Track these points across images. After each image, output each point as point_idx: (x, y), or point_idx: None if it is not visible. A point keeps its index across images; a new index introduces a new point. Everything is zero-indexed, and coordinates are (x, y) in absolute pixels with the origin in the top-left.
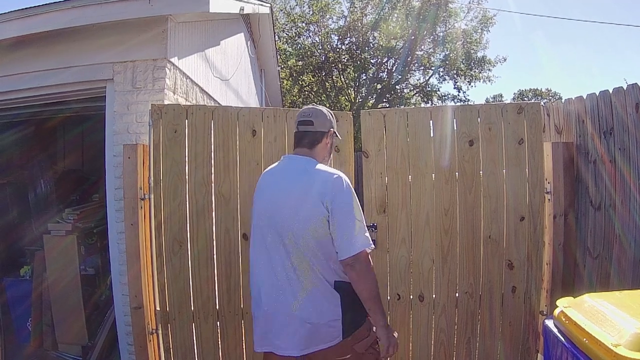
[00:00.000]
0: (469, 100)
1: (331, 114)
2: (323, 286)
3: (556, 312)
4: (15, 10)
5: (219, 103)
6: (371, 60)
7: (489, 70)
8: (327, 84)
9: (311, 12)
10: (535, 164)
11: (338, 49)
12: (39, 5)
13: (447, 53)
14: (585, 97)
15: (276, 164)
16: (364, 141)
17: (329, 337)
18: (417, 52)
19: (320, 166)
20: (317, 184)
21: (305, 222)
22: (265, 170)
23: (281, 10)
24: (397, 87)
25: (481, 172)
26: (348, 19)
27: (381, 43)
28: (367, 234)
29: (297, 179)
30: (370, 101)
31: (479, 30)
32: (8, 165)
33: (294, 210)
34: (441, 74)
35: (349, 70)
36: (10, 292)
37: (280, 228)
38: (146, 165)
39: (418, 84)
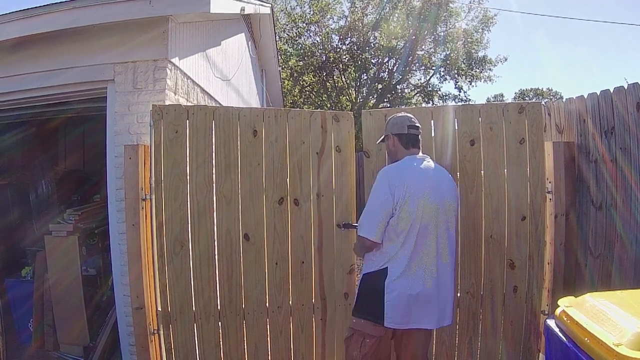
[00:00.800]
0: (470, 100)
1: None
2: (455, 269)
3: (558, 311)
4: (17, 11)
5: (220, 103)
6: (372, 60)
7: (490, 70)
8: (328, 84)
9: (312, 12)
10: (536, 164)
11: (339, 49)
12: (40, 6)
13: (448, 53)
14: (586, 97)
15: (411, 161)
16: (365, 141)
17: (451, 315)
18: (418, 52)
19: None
20: (451, 180)
21: (454, 210)
22: (401, 166)
23: (282, 11)
24: (398, 87)
25: (482, 171)
26: (349, 19)
27: (382, 43)
28: None
29: (447, 176)
30: (371, 101)
31: (480, 30)
32: (9, 166)
33: (448, 201)
34: (442, 73)
35: (349, 70)
36: (12, 292)
37: (449, 216)
38: (147, 166)
39: (419, 84)
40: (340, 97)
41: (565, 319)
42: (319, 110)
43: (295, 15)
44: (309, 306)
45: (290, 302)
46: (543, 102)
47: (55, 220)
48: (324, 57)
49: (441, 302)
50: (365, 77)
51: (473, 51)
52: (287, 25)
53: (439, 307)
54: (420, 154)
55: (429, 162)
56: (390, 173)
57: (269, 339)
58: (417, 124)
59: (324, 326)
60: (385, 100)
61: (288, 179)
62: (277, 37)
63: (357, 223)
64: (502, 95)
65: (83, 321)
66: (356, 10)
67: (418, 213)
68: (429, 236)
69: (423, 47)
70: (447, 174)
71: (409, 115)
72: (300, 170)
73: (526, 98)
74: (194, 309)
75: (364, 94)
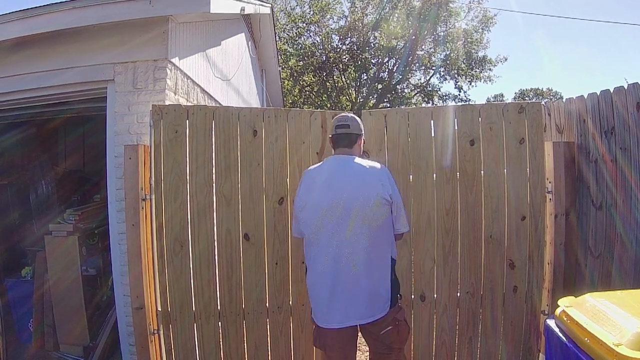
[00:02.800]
0: (469, 100)
1: (360, 120)
2: (382, 260)
3: (558, 311)
4: (17, 11)
5: (220, 103)
6: (372, 60)
7: (490, 69)
8: (328, 84)
9: (312, 12)
10: (536, 164)
11: (339, 49)
12: (40, 6)
13: (447, 53)
14: (586, 97)
15: (322, 163)
16: (365, 141)
17: (382, 307)
18: (417, 52)
19: (362, 160)
20: (374, 173)
21: (372, 205)
22: (313, 169)
23: (282, 11)
24: (398, 87)
25: (482, 171)
26: (349, 19)
27: (382, 43)
28: None
29: (355, 171)
30: (372, 101)
31: (480, 30)
32: (10, 166)
33: (361, 195)
34: (442, 73)
35: (349, 70)
36: (12, 293)
37: (349, 212)
38: (147, 166)
39: (419, 84)
40: (340, 97)
41: (565, 319)
42: (319, 110)
43: (295, 15)
44: (309, 306)
45: (291, 302)
46: (543, 102)
47: (55, 221)
48: (324, 57)
49: (357, 296)
50: (365, 77)
51: (473, 51)
52: (287, 25)
53: (358, 303)
54: (343, 153)
55: (346, 161)
56: (303, 175)
57: (269, 339)
58: (346, 122)
59: None
60: (385, 100)
61: (288, 179)
62: (277, 37)
63: None
64: (502, 95)
65: (83, 321)
66: (356, 10)
67: (320, 212)
68: (334, 236)
69: (423, 47)
70: (376, 171)
71: (343, 114)
72: (301, 170)
73: (526, 98)
74: (194, 309)
75: (364, 94)
